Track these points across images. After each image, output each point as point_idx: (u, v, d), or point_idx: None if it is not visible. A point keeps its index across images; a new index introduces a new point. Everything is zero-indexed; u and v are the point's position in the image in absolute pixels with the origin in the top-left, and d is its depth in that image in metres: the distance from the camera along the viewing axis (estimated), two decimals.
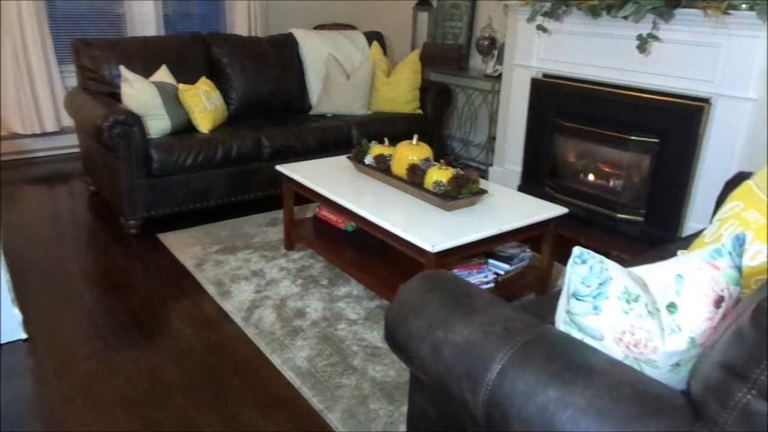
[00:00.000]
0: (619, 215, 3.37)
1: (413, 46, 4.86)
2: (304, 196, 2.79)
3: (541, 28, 3.49)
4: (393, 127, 3.93)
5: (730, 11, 2.67)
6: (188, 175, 3.25)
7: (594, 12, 3.15)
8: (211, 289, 2.69)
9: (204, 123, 3.43)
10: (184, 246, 3.11)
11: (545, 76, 3.66)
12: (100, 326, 2.39)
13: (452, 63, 4.62)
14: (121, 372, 2.11)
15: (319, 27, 5.30)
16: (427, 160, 2.52)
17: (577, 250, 1.11)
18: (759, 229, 1.61)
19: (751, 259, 1.57)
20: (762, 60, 2.70)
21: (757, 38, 2.69)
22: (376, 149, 2.77)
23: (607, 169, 3.52)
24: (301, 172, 2.82)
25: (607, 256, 3.16)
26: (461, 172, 2.41)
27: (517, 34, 3.74)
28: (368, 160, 2.75)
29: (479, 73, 4.41)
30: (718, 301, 1.05)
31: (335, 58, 4.11)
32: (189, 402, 1.98)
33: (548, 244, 2.53)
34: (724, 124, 2.88)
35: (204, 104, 3.44)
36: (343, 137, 3.77)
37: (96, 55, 3.50)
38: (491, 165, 4.23)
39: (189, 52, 3.75)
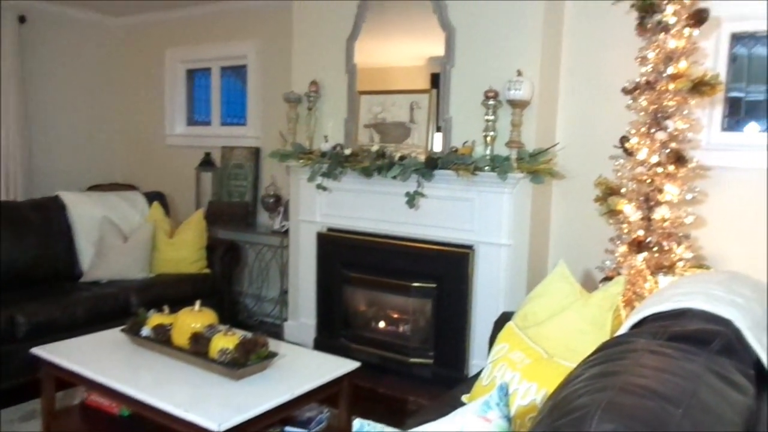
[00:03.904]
0: (411, 359, 3.48)
1: (198, 205, 4.80)
2: (69, 380, 2.41)
3: (321, 187, 3.69)
4: (178, 290, 3.70)
5: (477, 172, 3.10)
6: None
7: (366, 172, 3.44)
8: None
9: None
10: None
11: (330, 230, 3.82)
12: None
13: (239, 220, 4.63)
14: None
15: (95, 187, 5.01)
16: (211, 326, 2.38)
17: (357, 423, 1.07)
18: (525, 369, 1.75)
19: (522, 398, 1.68)
20: (509, 210, 3.14)
21: (501, 193, 3.14)
22: (155, 319, 2.55)
23: (395, 316, 3.67)
24: (64, 352, 2.45)
25: (405, 402, 3.21)
26: (248, 336, 2.30)
27: (299, 191, 3.91)
28: (146, 331, 2.51)
29: (267, 229, 4.47)
30: None
31: (110, 221, 3.85)
32: None
33: (345, 401, 2.48)
34: (487, 268, 3.22)
35: None
36: (119, 305, 3.44)
37: None
38: (286, 319, 4.16)
39: None
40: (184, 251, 3.95)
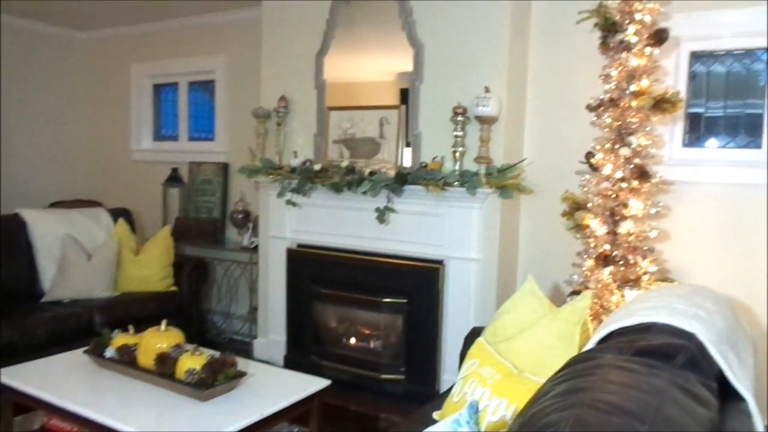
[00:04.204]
0: (383, 376, 3.45)
1: (165, 222, 4.72)
2: (29, 404, 2.33)
3: (291, 203, 3.67)
4: (144, 308, 3.63)
5: (446, 187, 3.12)
6: None
7: (336, 188, 3.43)
8: None
9: None
10: None
11: (300, 246, 3.79)
12: None
13: (207, 236, 4.57)
14: None
15: (57, 204, 4.88)
16: (178, 346, 2.32)
17: None
18: (495, 385, 1.75)
19: (492, 414, 1.68)
20: (478, 225, 3.16)
21: (470, 208, 3.16)
22: (120, 339, 2.48)
23: (366, 332, 3.65)
24: (23, 375, 2.37)
25: (376, 419, 3.19)
26: (216, 355, 2.26)
27: (269, 207, 3.88)
28: (110, 352, 2.44)
29: (236, 245, 4.41)
30: None
31: (73, 238, 3.76)
32: None
33: (315, 419, 2.44)
34: (458, 283, 3.23)
35: None
36: (83, 325, 3.35)
37: None
38: (255, 337, 4.09)
39: None
40: (151, 269, 3.87)
